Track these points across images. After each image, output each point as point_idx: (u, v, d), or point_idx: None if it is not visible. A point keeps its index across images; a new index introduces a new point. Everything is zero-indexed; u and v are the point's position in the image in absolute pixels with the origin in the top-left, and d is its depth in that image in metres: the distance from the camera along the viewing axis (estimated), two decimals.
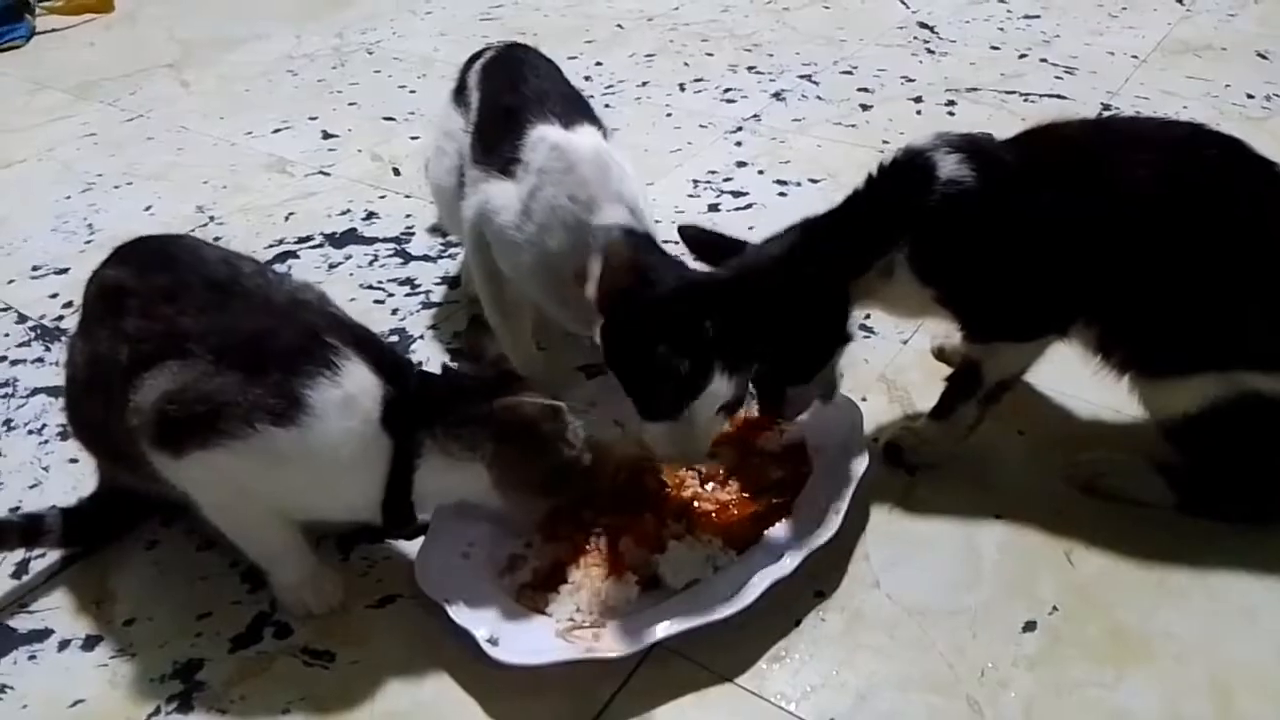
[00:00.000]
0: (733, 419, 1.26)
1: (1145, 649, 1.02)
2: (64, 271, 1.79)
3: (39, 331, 1.64)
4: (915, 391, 1.37)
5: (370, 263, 1.77)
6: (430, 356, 1.51)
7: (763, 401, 1.17)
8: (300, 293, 1.10)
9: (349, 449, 0.98)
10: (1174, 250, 1.05)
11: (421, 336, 1.57)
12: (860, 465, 1.14)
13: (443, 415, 1.01)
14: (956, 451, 1.23)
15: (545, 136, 1.23)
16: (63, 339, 1.57)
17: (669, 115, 2.25)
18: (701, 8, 2.89)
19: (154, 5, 3.27)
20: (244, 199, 2.02)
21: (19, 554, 1.20)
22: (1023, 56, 2.42)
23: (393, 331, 1.57)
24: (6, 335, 1.64)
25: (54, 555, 1.20)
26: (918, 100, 2.23)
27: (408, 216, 1.91)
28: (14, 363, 1.57)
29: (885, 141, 2.02)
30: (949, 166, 1.09)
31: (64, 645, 1.10)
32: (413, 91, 2.48)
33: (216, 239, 1.82)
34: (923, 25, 2.65)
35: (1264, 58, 2.33)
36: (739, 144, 2.09)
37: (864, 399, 1.32)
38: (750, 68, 2.47)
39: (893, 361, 1.43)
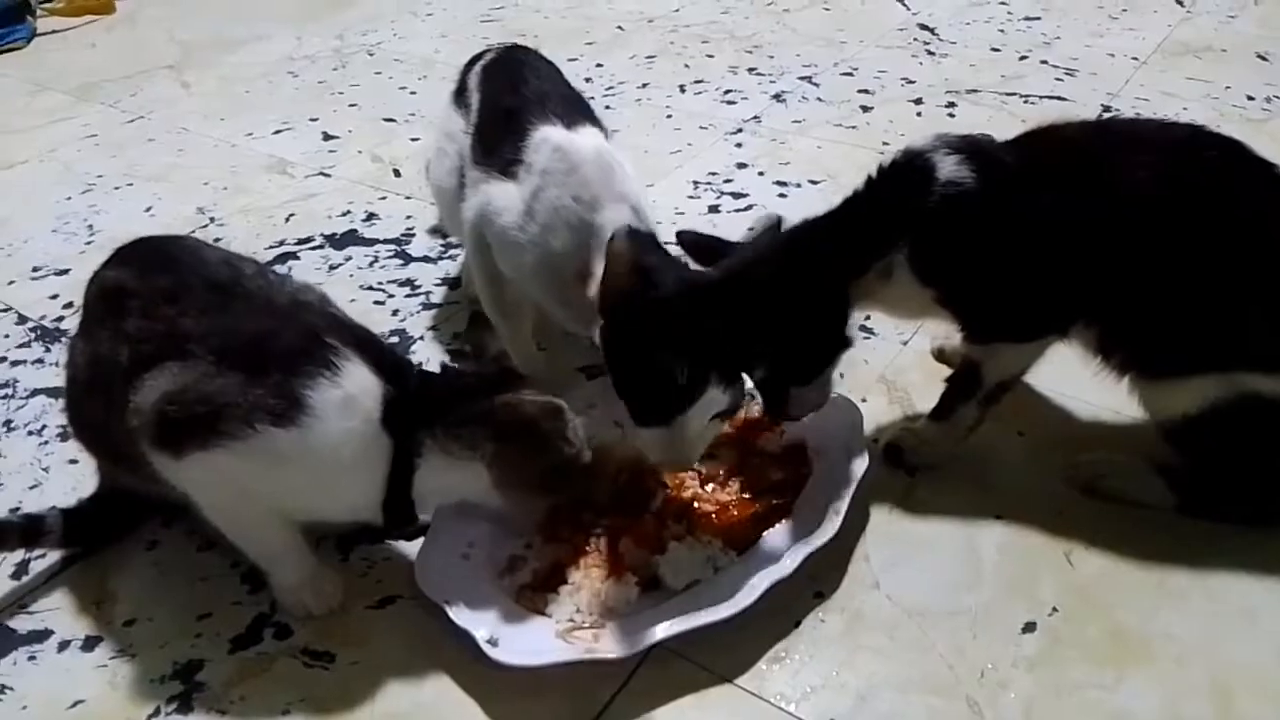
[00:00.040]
0: (733, 420, 1.26)
1: (1145, 650, 1.02)
2: (64, 272, 1.80)
3: (39, 332, 1.64)
4: (915, 392, 1.37)
5: (370, 264, 1.77)
6: (431, 357, 1.51)
7: (767, 403, 1.17)
8: (301, 294, 1.10)
9: (349, 449, 0.98)
10: (1174, 252, 1.05)
11: (422, 338, 1.57)
12: (860, 466, 1.14)
13: (443, 414, 1.01)
14: (956, 452, 1.23)
15: (548, 138, 1.23)
16: (63, 340, 1.57)
17: (669, 117, 2.25)
18: (702, 9, 2.90)
19: (154, 7, 3.27)
20: (244, 200, 2.02)
21: (19, 555, 1.20)
22: (1023, 58, 2.42)
23: (393, 333, 1.57)
24: (7, 336, 1.64)
25: (54, 556, 1.20)
26: (918, 102, 2.23)
27: (408, 218, 1.91)
28: (14, 364, 1.57)
29: (885, 143, 2.02)
30: (948, 168, 1.09)
31: (64, 646, 1.10)
32: (413, 93, 2.48)
33: (217, 240, 1.82)
34: (923, 27, 2.65)
35: (1264, 59, 2.33)
36: (739, 145, 2.09)
37: (864, 400, 1.32)
38: (750, 69, 2.47)
39: (893, 362, 1.43)
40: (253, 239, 1.85)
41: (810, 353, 1.13)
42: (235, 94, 2.55)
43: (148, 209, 2.01)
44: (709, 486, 1.20)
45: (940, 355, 1.41)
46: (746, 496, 1.18)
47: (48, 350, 1.59)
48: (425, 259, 1.78)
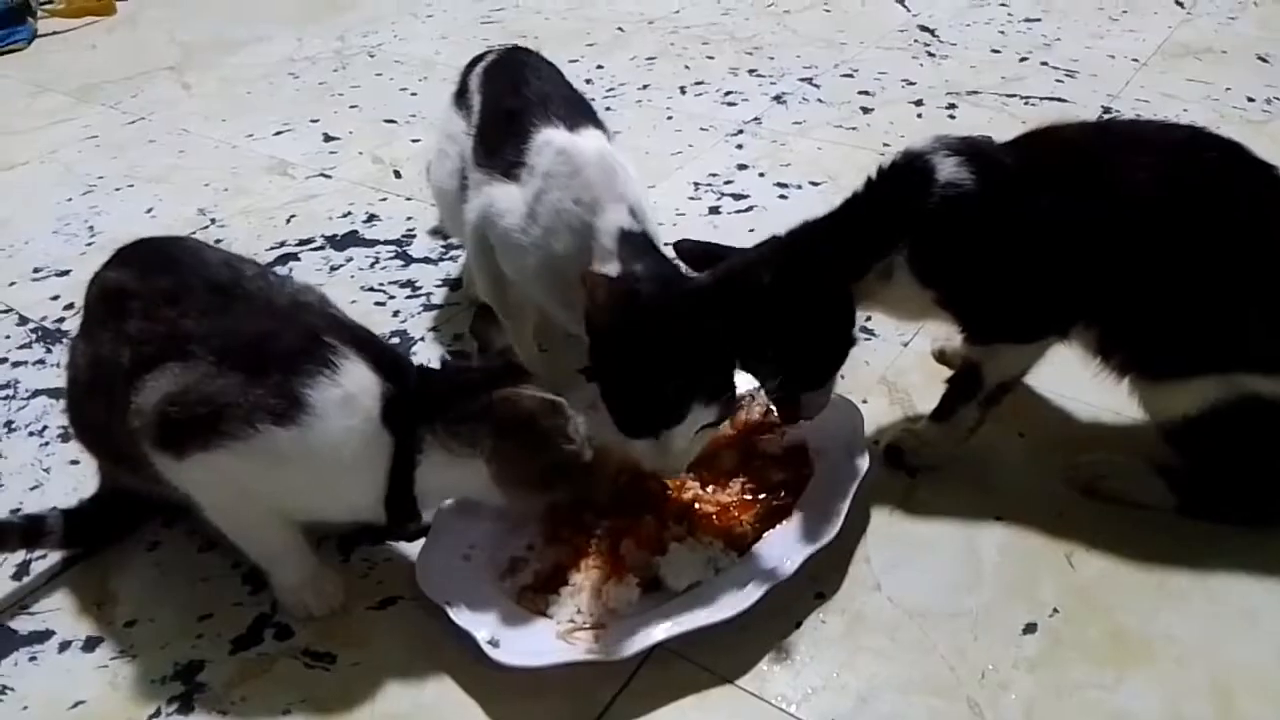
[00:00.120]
0: (734, 422, 1.27)
1: (1146, 651, 1.02)
2: (65, 273, 1.80)
3: (40, 333, 1.64)
4: (916, 394, 1.37)
5: (371, 265, 1.77)
6: (431, 358, 1.51)
7: (779, 409, 1.17)
8: (301, 295, 1.10)
9: (350, 447, 0.98)
10: (1174, 253, 1.05)
11: (422, 338, 1.57)
12: (861, 467, 1.14)
13: (443, 411, 1.02)
14: (957, 454, 1.23)
15: (550, 140, 1.23)
16: (64, 341, 1.57)
17: (670, 118, 2.25)
18: (702, 11, 2.90)
19: (155, 8, 3.27)
20: (245, 201, 2.02)
21: (20, 555, 1.20)
22: (1023, 60, 2.42)
23: (394, 333, 1.57)
24: (8, 337, 1.64)
25: (55, 557, 1.20)
26: (918, 103, 2.23)
27: (409, 219, 1.91)
28: (15, 364, 1.57)
29: (886, 144, 2.02)
30: (948, 169, 1.09)
31: (65, 646, 1.10)
32: (414, 94, 2.49)
33: (218, 241, 1.82)
34: (923, 28, 2.66)
35: (1264, 61, 2.33)
36: (740, 146, 2.09)
37: (865, 401, 1.32)
38: (751, 70, 2.47)
39: (893, 364, 1.43)
40: (253, 240, 1.86)
41: (822, 356, 1.13)
42: (236, 95, 2.56)
43: (148, 210, 2.01)
44: (710, 488, 1.20)
45: (941, 356, 1.41)
46: (748, 498, 1.18)
47: (49, 351, 1.60)
48: (426, 260, 1.78)
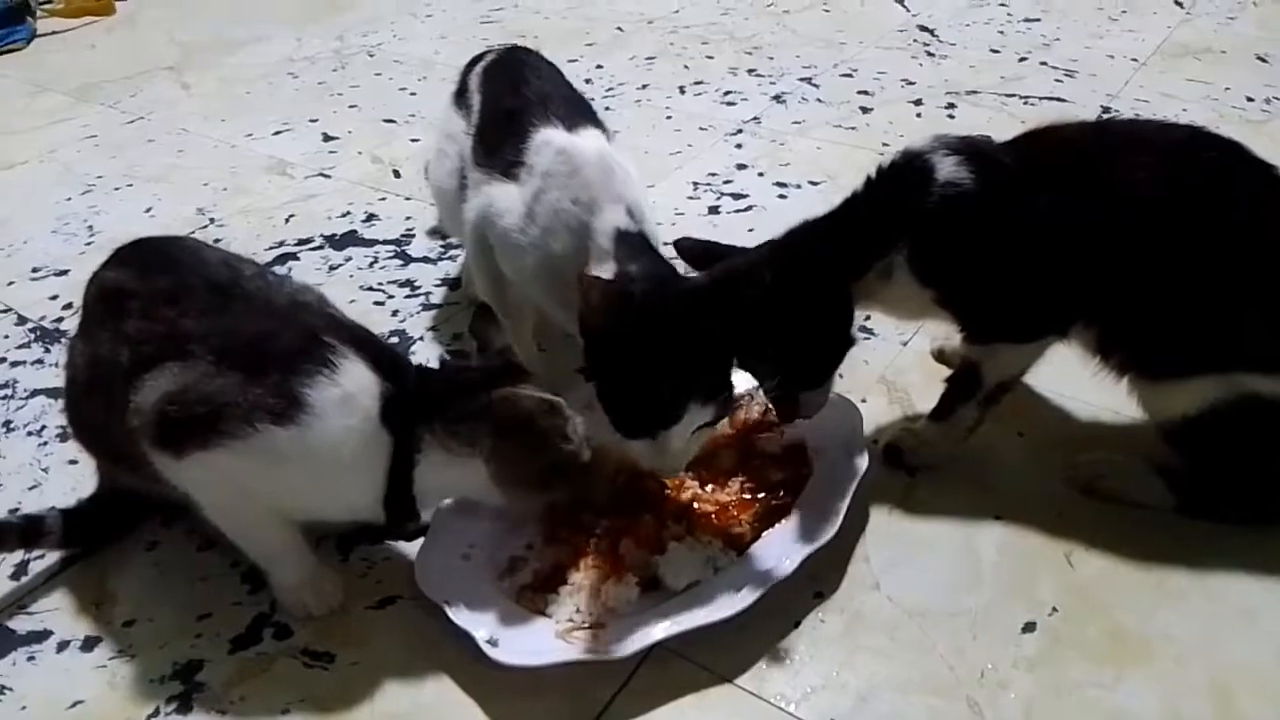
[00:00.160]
0: (734, 421, 1.27)
1: (1145, 650, 1.02)
2: (64, 273, 1.80)
3: (39, 333, 1.64)
4: (915, 393, 1.37)
5: (370, 265, 1.77)
6: (430, 358, 1.51)
7: (778, 408, 1.17)
8: (300, 295, 1.10)
9: (349, 447, 0.98)
10: (1173, 253, 1.05)
11: (421, 338, 1.57)
12: (860, 466, 1.14)
13: (442, 411, 1.02)
14: (956, 453, 1.23)
15: (550, 140, 1.23)
16: (62, 340, 1.57)
17: (669, 118, 2.25)
18: (702, 10, 2.90)
19: (154, 8, 3.27)
20: (244, 201, 2.02)
21: (18, 555, 1.20)
22: (1022, 59, 2.42)
23: (393, 333, 1.57)
24: (6, 337, 1.64)
25: (53, 556, 1.20)
26: (918, 103, 2.23)
27: (408, 219, 1.91)
28: (14, 364, 1.57)
29: (885, 144, 2.02)
30: (947, 169, 1.09)
31: (63, 646, 1.10)
32: (413, 94, 2.49)
33: (217, 241, 1.82)
34: (923, 28, 2.66)
35: (1263, 61, 2.33)
36: (739, 146, 2.09)
37: (864, 400, 1.32)
38: (750, 70, 2.47)
39: (892, 363, 1.43)
40: (253, 240, 1.86)
41: (821, 355, 1.13)
42: (235, 95, 2.55)
43: (147, 210, 2.01)
44: (709, 487, 1.20)
45: (940, 356, 1.41)
46: (746, 497, 1.18)
47: (47, 351, 1.59)
48: (425, 260, 1.78)
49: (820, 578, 1.10)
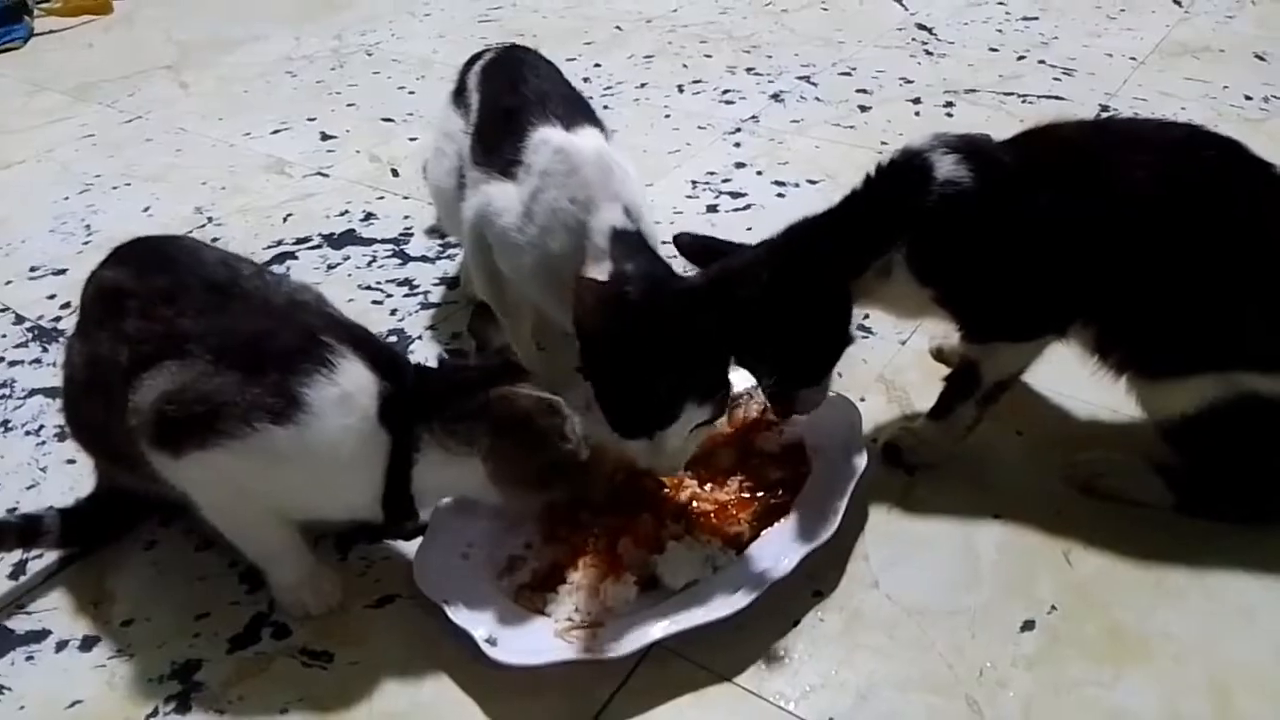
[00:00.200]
0: (732, 420, 1.27)
1: (1143, 648, 1.02)
2: (62, 272, 1.79)
3: (36, 332, 1.64)
4: (914, 392, 1.37)
5: (369, 264, 1.77)
6: (429, 357, 1.51)
7: (774, 404, 1.17)
8: (298, 294, 1.10)
9: (347, 446, 0.98)
10: (1172, 251, 1.05)
11: (420, 337, 1.57)
12: (859, 465, 1.14)
13: (440, 410, 1.02)
14: (955, 452, 1.23)
15: (548, 139, 1.23)
16: (60, 340, 1.57)
17: (667, 116, 2.25)
18: (700, 9, 2.90)
19: (152, 7, 3.27)
20: (242, 200, 2.02)
21: (16, 555, 1.20)
22: (1021, 58, 2.42)
23: (391, 332, 1.57)
24: (4, 336, 1.63)
25: (51, 556, 1.20)
26: (916, 101, 2.23)
27: (406, 218, 1.91)
28: (11, 363, 1.57)
29: (884, 143, 2.02)
30: (946, 167, 1.09)
31: (62, 646, 1.10)
32: (411, 93, 2.48)
33: (215, 240, 1.82)
34: (921, 27, 2.66)
35: (1262, 59, 2.34)
36: (737, 145, 2.09)
37: (862, 399, 1.32)
38: (749, 69, 2.47)
39: (891, 362, 1.43)
40: (251, 239, 1.85)
41: (818, 352, 1.13)
42: (233, 94, 2.55)
43: (145, 209, 2.01)
44: (708, 486, 1.20)
45: (939, 354, 1.41)
46: (745, 496, 1.18)
47: (45, 350, 1.59)
48: (423, 259, 1.77)
49: (819, 576, 1.10)
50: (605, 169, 1.19)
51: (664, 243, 1.20)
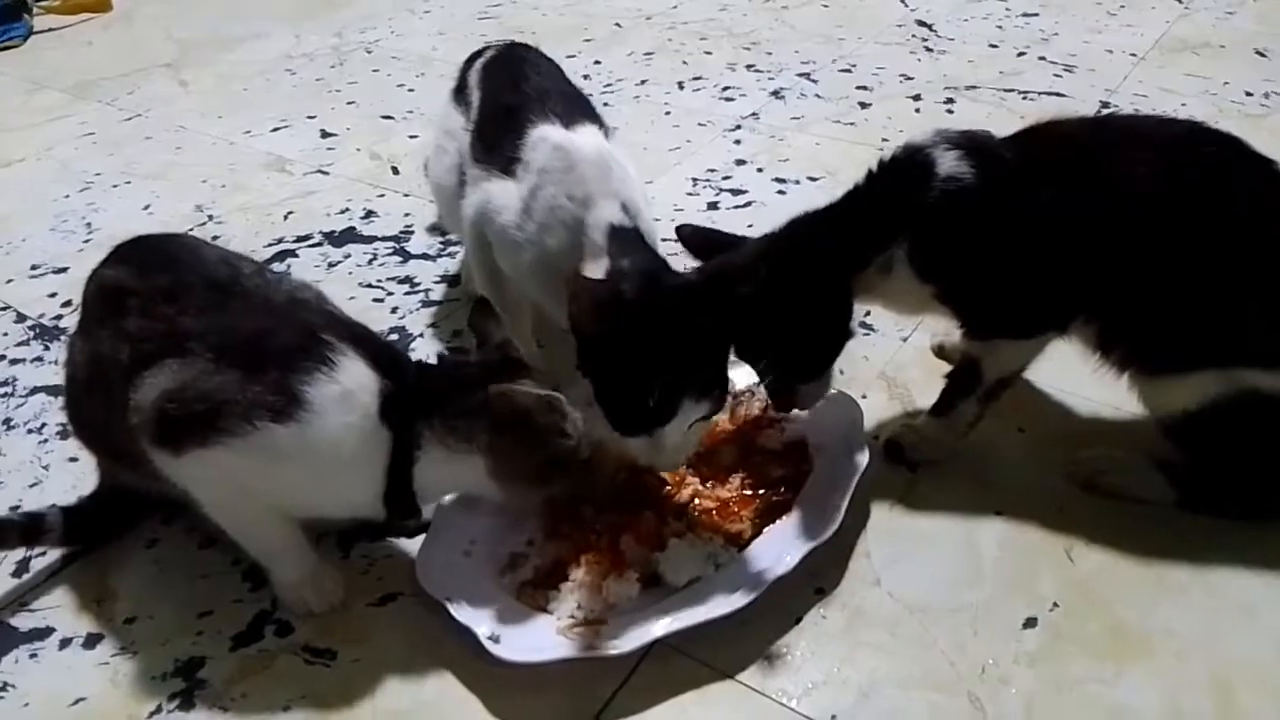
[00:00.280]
0: (734, 417, 1.27)
1: (1145, 645, 1.02)
2: (63, 270, 1.79)
3: (38, 330, 1.64)
4: (915, 389, 1.37)
5: (369, 261, 1.77)
6: (430, 355, 1.51)
7: (774, 399, 1.17)
8: (298, 292, 1.10)
9: (349, 444, 0.98)
10: (1173, 248, 1.05)
11: (421, 335, 1.57)
12: (861, 462, 1.14)
13: (440, 407, 1.02)
14: (957, 449, 1.23)
15: (547, 136, 1.23)
16: (62, 338, 1.57)
17: (668, 114, 2.25)
18: (700, 6, 2.89)
19: (151, 4, 3.26)
20: (243, 198, 2.02)
21: (19, 552, 1.20)
22: (1021, 54, 2.42)
23: (392, 330, 1.57)
24: (5, 334, 1.63)
25: (54, 554, 1.20)
26: (916, 98, 2.23)
27: (407, 215, 1.91)
28: (13, 361, 1.57)
29: (884, 139, 2.01)
30: (948, 163, 1.09)
31: (65, 643, 1.10)
32: (411, 90, 2.48)
33: (215, 238, 1.82)
34: (921, 23, 2.65)
35: (1262, 55, 2.33)
36: (738, 142, 2.09)
37: (864, 396, 1.32)
38: (749, 66, 2.47)
39: (893, 359, 1.43)
40: (251, 237, 1.85)
41: (817, 347, 1.13)
42: (233, 92, 2.55)
43: (146, 207, 2.01)
44: (709, 483, 1.20)
45: (940, 351, 1.41)
46: (747, 493, 1.18)
47: (46, 348, 1.59)
48: (424, 256, 1.77)
49: (821, 574, 1.10)
50: (603, 166, 1.19)
51: (664, 240, 1.20)
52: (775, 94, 2.30)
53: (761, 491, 1.18)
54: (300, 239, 1.85)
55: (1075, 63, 2.35)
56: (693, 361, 1.04)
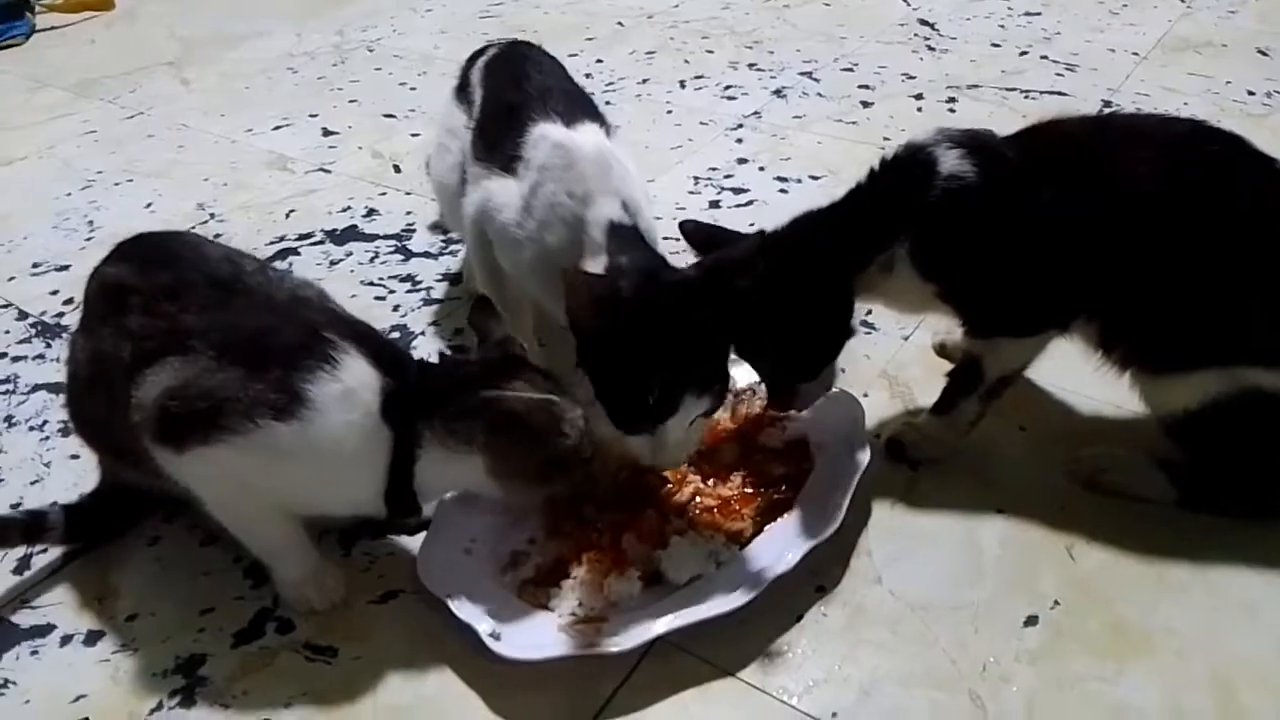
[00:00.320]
0: (735, 415, 1.27)
1: (1146, 643, 1.02)
2: (65, 268, 1.79)
3: (39, 328, 1.64)
4: (917, 387, 1.37)
5: (371, 260, 1.77)
6: (432, 353, 1.51)
7: (774, 397, 1.17)
8: (300, 290, 1.10)
9: (350, 442, 0.98)
10: (1175, 246, 1.05)
11: (423, 333, 1.57)
12: (862, 461, 1.14)
13: (441, 406, 1.02)
14: (958, 447, 1.23)
15: (547, 134, 1.23)
16: (63, 336, 1.57)
17: (669, 112, 2.25)
18: (702, 5, 2.89)
19: (154, 3, 3.26)
20: (245, 196, 2.02)
21: (21, 550, 1.20)
22: (1023, 53, 2.42)
23: (394, 328, 1.57)
24: (7, 332, 1.64)
25: (56, 551, 1.20)
26: (918, 97, 2.23)
27: (408, 213, 1.91)
28: (15, 359, 1.57)
29: (886, 138, 2.01)
30: (950, 162, 1.09)
31: (66, 641, 1.10)
32: (413, 89, 2.48)
33: (217, 236, 1.82)
34: (923, 22, 2.65)
35: (1264, 54, 2.33)
36: (740, 141, 2.09)
37: (865, 395, 1.32)
38: (751, 65, 2.47)
39: (894, 357, 1.43)
40: (253, 235, 1.85)
41: (817, 345, 1.13)
42: (235, 90, 2.55)
43: (148, 205, 2.01)
44: (710, 481, 1.20)
45: (942, 350, 1.41)
46: (748, 491, 1.18)
47: (48, 346, 1.59)
48: (426, 254, 1.78)
49: (822, 572, 1.10)
50: (603, 164, 1.19)
51: (666, 238, 1.20)
52: (777, 93, 2.30)
53: (763, 490, 1.18)
54: (302, 237, 1.85)
55: (1077, 62, 2.35)
56: (693, 357, 1.04)
